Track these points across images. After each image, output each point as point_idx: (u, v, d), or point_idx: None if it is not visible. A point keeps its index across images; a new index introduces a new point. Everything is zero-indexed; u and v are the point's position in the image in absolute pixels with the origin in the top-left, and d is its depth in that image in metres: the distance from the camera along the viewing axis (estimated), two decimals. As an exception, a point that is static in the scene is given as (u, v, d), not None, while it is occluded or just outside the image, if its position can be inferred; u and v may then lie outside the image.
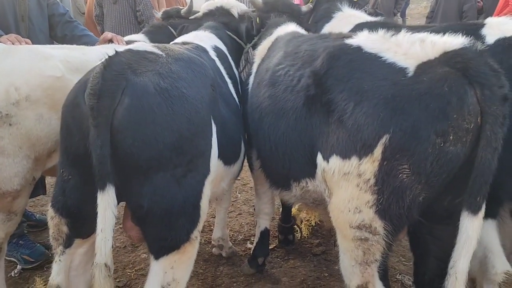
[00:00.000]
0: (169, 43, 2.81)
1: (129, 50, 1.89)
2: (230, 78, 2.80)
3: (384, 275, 1.88)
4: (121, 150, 1.65)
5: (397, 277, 3.11)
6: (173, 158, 1.73)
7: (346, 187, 1.81)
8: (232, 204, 4.28)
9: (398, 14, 10.96)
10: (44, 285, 2.99)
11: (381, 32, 1.97)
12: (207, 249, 3.52)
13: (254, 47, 3.36)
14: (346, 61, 1.90)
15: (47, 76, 2.39)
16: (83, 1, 8.11)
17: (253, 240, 3.62)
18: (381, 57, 1.82)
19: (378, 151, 1.66)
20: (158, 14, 4.21)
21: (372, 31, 2.04)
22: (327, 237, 3.71)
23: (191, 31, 3.43)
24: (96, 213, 1.63)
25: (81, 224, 1.89)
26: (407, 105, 1.61)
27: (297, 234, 3.67)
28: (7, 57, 2.34)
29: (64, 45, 2.96)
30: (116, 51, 1.79)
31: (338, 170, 1.83)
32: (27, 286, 3.09)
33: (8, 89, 2.22)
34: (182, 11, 3.94)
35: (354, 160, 1.75)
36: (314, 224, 3.81)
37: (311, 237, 3.71)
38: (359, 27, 3.29)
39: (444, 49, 1.70)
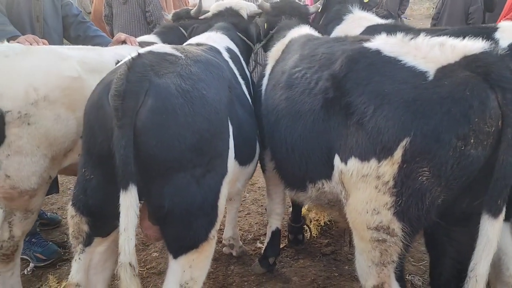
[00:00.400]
0: (180, 44, 2.83)
1: (151, 52, 1.91)
2: (243, 79, 2.82)
3: (400, 276, 1.90)
4: (143, 150, 1.67)
5: (407, 277, 3.13)
6: (194, 158, 1.76)
7: (364, 188, 1.83)
8: (241, 204, 4.30)
9: (402, 16, 10.95)
10: (57, 283, 3.02)
11: (399, 35, 1.99)
12: (217, 248, 3.54)
13: (265, 48, 3.38)
14: (365, 65, 1.92)
15: (65, 77, 2.43)
16: (89, 0, 8.16)
17: (263, 240, 3.65)
18: (401, 61, 1.83)
19: (398, 153, 1.68)
20: (168, 16, 4.23)
21: (390, 34, 2.06)
22: (336, 237, 3.73)
23: (201, 31, 3.44)
24: (117, 212, 1.65)
25: (102, 223, 1.92)
26: (428, 109, 1.63)
27: (306, 234, 3.70)
28: (25, 58, 2.36)
29: (80, 46, 2.98)
30: (138, 53, 1.81)
31: (356, 172, 1.84)
32: (40, 283, 3.11)
33: (27, 90, 2.25)
34: (192, 12, 3.95)
35: (373, 162, 1.77)
36: (323, 224, 3.83)
37: (320, 237, 3.73)
38: (370, 30, 3.32)
39: (465, 53, 1.72)
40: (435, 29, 2.99)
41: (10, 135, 2.21)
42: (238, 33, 3.42)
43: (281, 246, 3.45)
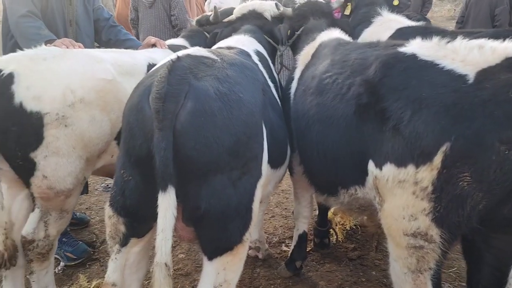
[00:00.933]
0: (206, 47, 2.85)
1: (189, 55, 1.93)
2: (272, 82, 2.82)
3: (437, 283, 1.87)
4: (182, 153, 1.68)
5: (437, 284, 3.07)
6: (231, 161, 1.76)
7: (401, 194, 1.81)
8: (265, 207, 4.31)
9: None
10: (87, 282, 3.07)
11: (435, 39, 1.96)
12: (243, 250, 3.55)
13: (294, 51, 3.36)
14: (401, 69, 1.91)
15: (100, 79, 2.47)
16: (112, 5, 8.28)
17: (288, 243, 3.64)
18: (438, 64, 1.81)
19: (437, 159, 1.66)
20: (193, 22, 4.29)
21: (424, 37, 2.04)
22: (362, 242, 3.70)
23: (226, 34, 3.46)
24: (154, 214, 1.66)
25: (138, 224, 1.94)
26: (470, 113, 1.61)
27: (332, 238, 3.67)
28: (63, 61, 2.42)
29: (113, 49, 3.04)
30: (178, 56, 1.83)
31: (392, 177, 1.83)
32: (70, 282, 3.17)
33: (64, 92, 2.30)
34: (211, 18, 3.98)
35: (410, 168, 1.75)
36: (349, 228, 3.80)
37: (346, 241, 3.70)
38: (400, 32, 3.28)
39: (506, 55, 1.69)
40: (468, 31, 2.94)
41: (48, 136, 2.26)
42: (264, 35, 3.42)
43: (307, 250, 3.44)
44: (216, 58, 2.01)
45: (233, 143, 1.76)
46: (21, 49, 2.53)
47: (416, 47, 1.99)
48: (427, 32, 2.75)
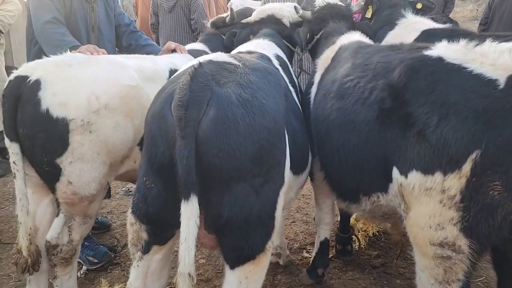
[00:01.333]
0: (222, 51, 2.84)
1: (211, 61, 1.92)
2: (292, 86, 2.79)
3: (466, 295, 1.80)
4: (205, 160, 1.67)
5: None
6: (253, 168, 1.74)
7: (427, 202, 1.76)
8: (285, 212, 4.27)
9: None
10: (109, 286, 3.10)
11: (462, 41, 1.91)
12: (263, 256, 3.53)
13: (313, 55, 3.33)
14: (427, 73, 1.85)
15: (124, 85, 2.49)
16: (133, 10, 8.42)
17: (309, 249, 3.60)
18: (466, 68, 1.76)
19: (466, 167, 1.60)
20: (208, 25, 4.28)
21: (451, 40, 1.98)
22: (385, 249, 3.62)
23: (244, 37, 3.45)
24: (176, 221, 1.64)
25: (160, 231, 1.93)
26: (501, 119, 1.55)
27: (354, 245, 3.61)
28: (87, 67, 2.44)
29: (136, 55, 3.07)
30: (199, 62, 1.82)
31: (418, 185, 1.78)
32: (92, 286, 3.20)
33: (89, 98, 2.32)
34: (227, 20, 3.98)
35: (438, 175, 1.70)
36: (371, 235, 3.73)
37: (369, 248, 3.63)
38: (426, 34, 3.20)
39: (539, 60, 1.62)
40: (497, 35, 2.85)
41: (73, 142, 2.28)
42: (283, 40, 3.40)
43: (329, 257, 3.39)
44: (238, 63, 2.00)
45: (256, 150, 1.73)
46: (45, 54, 2.58)
47: (442, 50, 1.93)
48: (454, 34, 2.67)
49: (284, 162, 1.96)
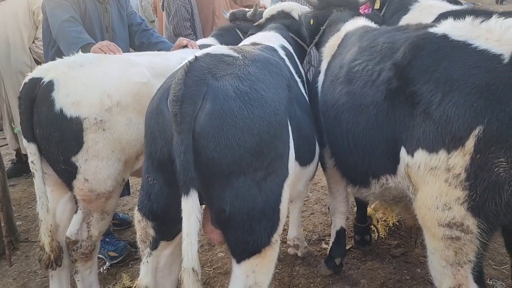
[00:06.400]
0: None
1: (208, 54, 1.91)
2: (298, 77, 2.77)
3: (479, 277, 1.76)
4: (203, 155, 1.67)
5: (488, 282, 2.89)
6: (254, 161, 1.72)
7: (433, 182, 1.72)
8: (304, 204, 4.24)
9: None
10: (130, 281, 3.15)
11: (468, 19, 1.86)
12: (282, 248, 3.53)
13: (318, 45, 3.30)
14: (431, 51, 1.82)
15: (135, 83, 2.53)
16: (151, 10, 8.53)
17: (328, 240, 3.57)
18: (471, 45, 1.72)
19: (470, 143, 1.57)
20: (227, 15, 4.29)
21: (458, 18, 1.94)
22: (406, 238, 3.56)
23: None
24: (180, 217, 1.64)
25: (167, 227, 1.93)
26: (505, 94, 1.51)
27: (373, 235, 3.56)
28: (99, 66, 2.51)
29: (146, 52, 3.12)
30: (195, 56, 1.81)
31: (424, 164, 1.75)
32: (114, 281, 3.28)
33: (101, 97, 2.38)
34: (248, 14, 3.99)
35: (442, 153, 1.67)
36: (391, 225, 3.66)
37: (388, 238, 3.57)
38: (443, 17, 3.11)
39: (545, 33, 1.57)
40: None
41: (88, 140, 2.35)
42: (291, 34, 3.40)
43: (347, 247, 3.36)
44: (237, 55, 1.98)
45: (256, 143, 1.71)
46: (61, 57, 2.64)
47: (448, 27, 1.90)
48: (473, 15, 2.58)
49: (288, 154, 1.93)
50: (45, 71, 2.41)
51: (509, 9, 5.90)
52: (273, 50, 2.62)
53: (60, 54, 3.03)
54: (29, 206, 4.67)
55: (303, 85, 2.80)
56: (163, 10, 5.46)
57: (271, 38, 2.93)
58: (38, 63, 5.11)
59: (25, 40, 5.12)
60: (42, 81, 2.36)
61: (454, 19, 1.95)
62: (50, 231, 2.43)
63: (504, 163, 1.51)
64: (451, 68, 1.70)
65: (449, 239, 1.71)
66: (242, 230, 1.78)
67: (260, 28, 3.60)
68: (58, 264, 2.50)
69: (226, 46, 2.25)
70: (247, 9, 4.16)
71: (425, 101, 1.74)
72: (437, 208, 1.71)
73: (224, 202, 1.73)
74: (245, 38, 3.73)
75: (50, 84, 2.34)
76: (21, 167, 5.54)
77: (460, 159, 1.60)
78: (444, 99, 1.65)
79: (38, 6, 4.70)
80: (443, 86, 1.68)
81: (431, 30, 1.92)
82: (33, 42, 5.17)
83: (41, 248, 2.46)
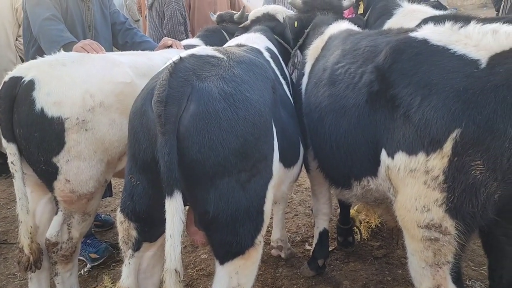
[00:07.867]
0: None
1: (193, 55, 1.90)
2: (283, 79, 2.78)
3: (457, 278, 1.79)
4: (187, 156, 1.66)
5: (467, 283, 2.95)
6: (238, 163, 1.71)
7: (412, 184, 1.75)
8: (288, 205, 4.28)
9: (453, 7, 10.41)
10: (111, 283, 3.11)
11: (448, 24, 1.90)
12: (265, 250, 3.54)
13: (302, 48, 3.33)
14: (411, 55, 1.85)
15: (118, 82, 2.51)
16: (136, 9, 8.44)
17: (311, 242, 3.59)
18: (450, 49, 1.76)
19: (448, 146, 1.60)
20: (214, 17, 4.30)
21: (439, 23, 1.98)
22: (388, 240, 3.60)
23: None
24: (164, 218, 1.63)
25: (149, 228, 1.92)
26: (481, 98, 1.54)
27: (356, 236, 3.60)
28: (81, 65, 2.47)
29: (130, 52, 3.08)
30: (180, 57, 1.80)
31: (404, 166, 1.78)
32: (95, 284, 3.24)
33: (84, 96, 2.34)
34: (235, 16, 4.00)
35: (421, 156, 1.70)
36: (374, 226, 3.70)
37: (371, 240, 3.62)
38: (426, 22, 3.16)
39: (521, 39, 1.61)
40: (497, 18, 2.81)
41: (69, 141, 2.31)
42: (275, 36, 3.41)
43: (330, 249, 3.39)
44: (222, 56, 1.98)
45: (240, 145, 1.71)
46: (42, 56, 2.60)
47: (428, 32, 1.93)
48: (455, 20, 2.63)
49: (272, 156, 1.93)
50: (26, 70, 2.36)
51: (490, 15, 6.04)
52: (258, 51, 2.62)
53: (41, 52, 2.98)
54: (8, 207, 4.59)
55: (288, 87, 2.81)
56: (150, 9, 5.41)
57: (256, 40, 2.93)
58: (24, 61, 5.06)
59: (10, 38, 5.06)
60: (22, 80, 2.31)
61: (435, 24, 1.99)
62: (30, 233, 2.38)
63: (481, 166, 1.54)
64: (431, 72, 1.74)
65: (428, 241, 1.74)
66: (225, 231, 1.77)
67: (246, 30, 3.61)
68: (37, 266, 2.46)
69: (211, 47, 2.25)
70: (234, 12, 4.17)
71: (405, 104, 1.77)
72: (416, 209, 1.74)
73: (208, 204, 1.71)
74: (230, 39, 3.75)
75: (31, 83, 2.30)
76: (0, 167, 5.44)
77: (438, 162, 1.63)
78: (423, 103, 1.68)
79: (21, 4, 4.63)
80: (422, 89, 1.71)
81: (412, 34, 1.96)
82: (16, 39, 5.09)
83: (20, 250, 2.42)
